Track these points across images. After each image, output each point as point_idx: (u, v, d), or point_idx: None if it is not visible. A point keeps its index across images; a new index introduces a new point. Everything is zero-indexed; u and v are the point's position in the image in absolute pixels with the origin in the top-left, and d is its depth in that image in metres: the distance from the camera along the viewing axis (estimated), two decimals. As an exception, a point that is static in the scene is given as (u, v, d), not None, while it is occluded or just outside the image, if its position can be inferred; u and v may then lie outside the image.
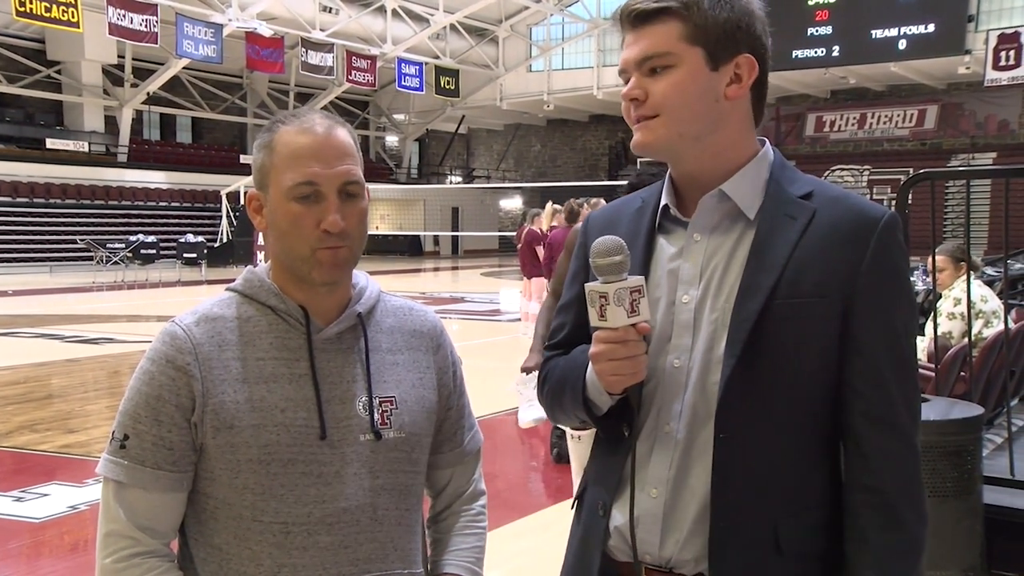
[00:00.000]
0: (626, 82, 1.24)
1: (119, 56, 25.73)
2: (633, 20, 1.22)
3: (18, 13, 20.09)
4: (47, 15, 20.50)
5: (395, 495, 1.28)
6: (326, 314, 1.27)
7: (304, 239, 1.21)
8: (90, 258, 21.34)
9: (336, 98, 30.84)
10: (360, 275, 1.34)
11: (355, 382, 1.26)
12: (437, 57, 30.53)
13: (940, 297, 4.76)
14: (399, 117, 35.25)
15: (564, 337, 1.38)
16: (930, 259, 4.03)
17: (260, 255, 17.32)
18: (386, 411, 1.27)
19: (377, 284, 1.37)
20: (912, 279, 1.27)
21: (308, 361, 1.24)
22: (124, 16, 21.70)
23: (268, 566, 1.21)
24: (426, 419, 1.33)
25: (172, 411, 1.20)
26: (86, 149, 25.89)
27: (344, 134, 1.25)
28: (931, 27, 24.84)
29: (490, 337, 11.72)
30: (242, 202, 24.99)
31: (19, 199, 23.56)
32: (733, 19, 1.20)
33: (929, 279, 4.64)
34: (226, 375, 1.21)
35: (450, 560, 1.37)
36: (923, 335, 4.53)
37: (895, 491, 1.18)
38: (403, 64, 29.48)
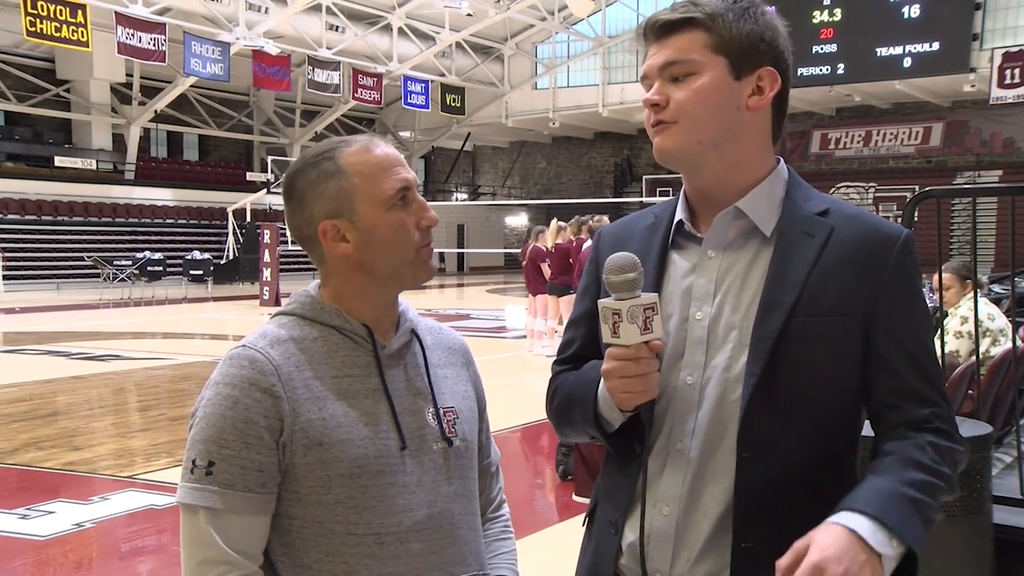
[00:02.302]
0: (648, 90, 1.24)
1: (127, 75, 25.92)
2: (658, 31, 1.23)
3: (29, 33, 20.27)
4: (57, 35, 20.68)
5: (465, 500, 1.34)
6: (384, 331, 1.32)
7: (410, 242, 1.28)
8: (97, 275, 21.41)
9: (342, 116, 31.00)
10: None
11: (420, 394, 1.32)
12: (443, 75, 30.69)
13: (947, 315, 4.75)
14: (405, 134, 35.40)
15: (574, 352, 1.38)
16: (936, 277, 4.03)
17: (266, 272, 17.36)
18: (450, 420, 1.33)
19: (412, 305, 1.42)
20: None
21: (379, 376, 1.28)
22: (132, 35, 21.89)
23: None
24: (475, 428, 1.40)
25: (262, 432, 1.21)
26: (94, 167, 26.05)
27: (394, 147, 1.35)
28: (936, 45, 24.91)
29: (496, 354, 11.71)
30: (248, 219, 25.12)
31: (27, 216, 23.69)
32: (757, 32, 1.22)
33: (935, 296, 4.63)
34: (308, 394, 1.24)
35: (497, 563, 1.42)
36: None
37: (926, 461, 1.15)
38: (409, 82, 29.64)
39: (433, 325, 1.44)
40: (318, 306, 1.30)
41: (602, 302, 1.19)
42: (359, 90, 28.40)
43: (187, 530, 1.22)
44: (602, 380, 1.22)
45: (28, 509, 4.79)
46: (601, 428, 1.27)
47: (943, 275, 4.70)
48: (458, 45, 30.08)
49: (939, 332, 3.87)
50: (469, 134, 35.04)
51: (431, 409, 1.31)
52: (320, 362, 1.26)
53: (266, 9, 25.05)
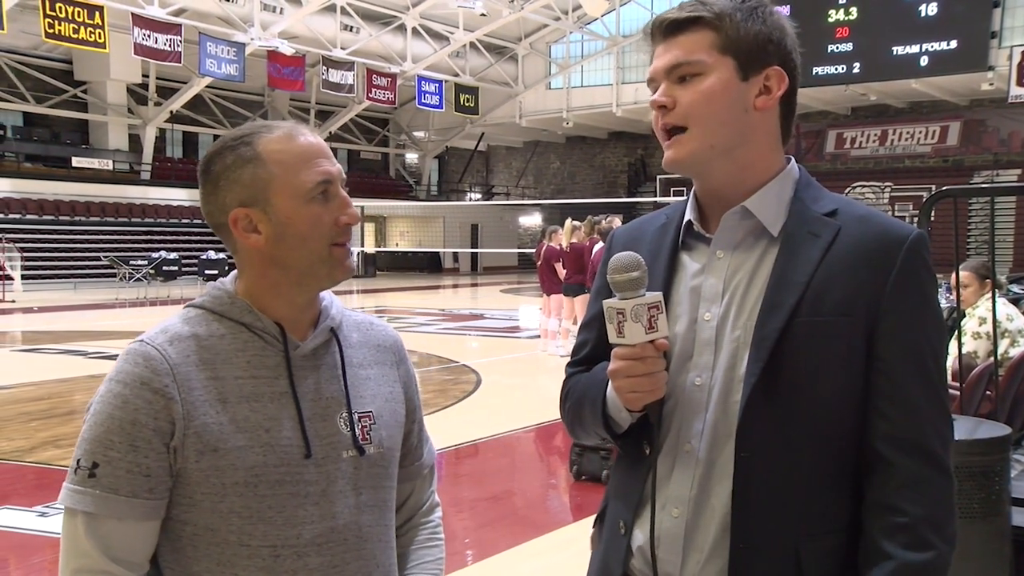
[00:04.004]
0: (654, 92, 1.24)
1: (143, 75, 26.11)
2: (665, 30, 1.23)
3: (47, 35, 20.47)
4: (75, 36, 20.86)
5: (377, 511, 1.27)
6: (300, 330, 1.25)
7: (323, 238, 1.21)
8: (113, 275, 21.56)
9: (356, 116, 31.10)
10: (323, 291, 1.32)
11: (333, 398, 1.24)
12: (457, 75, 30.72)
13: (964, 315, 4.70)
14: (419, 134, 35.47)
15: (587, 354, 1.38)
16: (953, 277, 4.00)
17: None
18: (366, 426, 1.26)
19: (338, 299, 1.35)
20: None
21: (288, 379, 1.21)
22: (149, 36, 22.03)
23: None
24: (398, 433, 1.32)
25: (150, 435, 1.14)
26: (110, 167, 26.24)
27: (320, 138, 1.29)
28: (953, 43, 24.72)
29: (510, 354, 11.71)
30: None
31: (45, 216, 23.88)
32: (765, 32, 1.21)
33: (952, 296, 4.59)
34: (206, 396, 1.16)
35: (417, 573, 1.37)
36: (947, 353, 4.47)
37: (922, 516, 1.14)
38: (423, 82, 29.69)
39: (363, 320, 1.36)
40: (228, 300, 1.23)
41: (607, 302, 1.18)
42: (373, 90, 28.47)
43: (65, 535, 1.15)
44: (610, 381, 1.21)
45: (46, 507, 4.83)
46: (611, 429, 1.27)
47: (961, 274, 4.66)
48: (472, 45, 30.10)
49: (956, 333, 3.84)
50: (483, 134, 35.05)
51: (344, 414, 1.24)
52: (224, 361, 1.18)
53: (281, 10, 25.15)
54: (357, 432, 1.24)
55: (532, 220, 36.19)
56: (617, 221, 10.76)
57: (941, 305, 1.33)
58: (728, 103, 1.20)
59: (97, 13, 21.00)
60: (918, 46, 25.08)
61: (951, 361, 4.22)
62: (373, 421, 1.27)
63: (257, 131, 1.24)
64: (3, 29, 19.84)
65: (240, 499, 1.16)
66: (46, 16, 20.12)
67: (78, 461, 1.16)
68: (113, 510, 1.14)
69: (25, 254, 21.83)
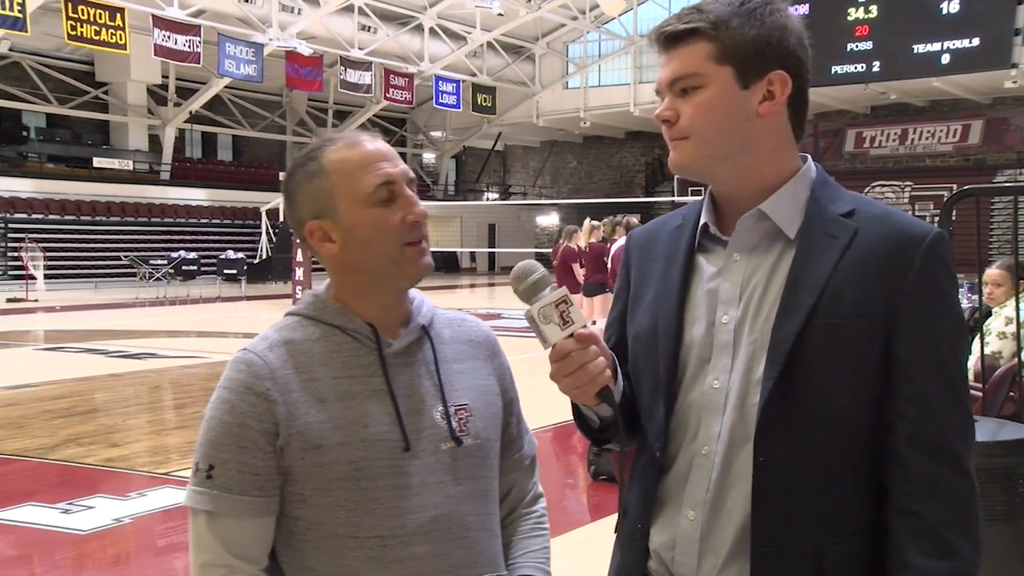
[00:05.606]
0: (662, 101, 1.24)
1: (163, 76, 26.32)
2: (664, 42, 1.22)
3: (70, 37, 20.70)
4: (96, 38, 21.08)
5: (478, 500, 1.30)
6: (392, 329, 1.29)
7: (392, 239, 1.24)
8: (133, 274, 21.76)
9: (374, 116, 31.18)
10: (413, 291, 1.36)
11: (428, 393, 1.29)
12: (474, 75, 30.76)
13: (990, 314, 4.65)
14: (436, 134, 35.53)
15: None
16: (976, 278, 3.96)
17: (299, 271, 17.53)
18: (462, 418, 1.30)
19: (429, 298, 1.39)
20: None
21: (383, 376, 1.26)
22: (169, 37, 22.22)
23: None
24: (495, 424, 1.36)
25: (256, 436, 1.21)
26: (130, 167, 26.47)
27: (385, 142, 1.31)
28: (976, 41, 24.46)
29: (527, 353, 11.69)
30: (281, 218, 25.36)
31: (67, 216, 24.12)
32: (763, 35, 1.18)
33: (974, 297, 4.55)
34: (306, 396, 1.23)
35: (523, 562, 1.39)
36: (970, 353, 4.43)
37: (944, 520, 1.13)
38: (440, 82, 29.75)
39: (455, 317, 1.41)
40: (322, 305, 1.29)
41: (525, 314, 1.20)
42: (391, 90, 28.56)
43: (192, 532, 1.23)
44: None
45: (70, 504, 4.88)
46: (590, 429, 1.29)
47: (994, 271, 4.60)
48: (489, 45, 30.13)
49: (979, 332, 3.80)
50: (500, 134, 35.07)
51: (440, 408, 1.28)
52: (321, 363, 1.25)
53: (299, 10, 25.28)
54: (454, 424, 1.28)
55: (549, 220, 36.17)
56: (634, 220, 10.74)
57: (963, 305, 1.31)
58: (727, 114, 1.19)
59: (118, 15, 21.20)
60: (939, 44, 24.83)
61: (974, 361, 4.18)
62: (469, 413, 1.31)
63: (322, 145, 1.29)
64: (27, 32, 20.06)
65: (344, 493, 1.21)
66: (68, 18, 20.33)
67: (196, 464, 1.24)
68: (229, 508, 1.21)
69: (48, 254, 22.06)
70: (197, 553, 1.22)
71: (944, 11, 24.62)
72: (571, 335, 1.16)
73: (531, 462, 1.46)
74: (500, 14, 26.71)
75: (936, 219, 3.30)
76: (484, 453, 1.32)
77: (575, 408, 1.28)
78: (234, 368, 1.25)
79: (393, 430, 1.24)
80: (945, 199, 3.47)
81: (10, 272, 22.42)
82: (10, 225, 22.76)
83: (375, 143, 1.28)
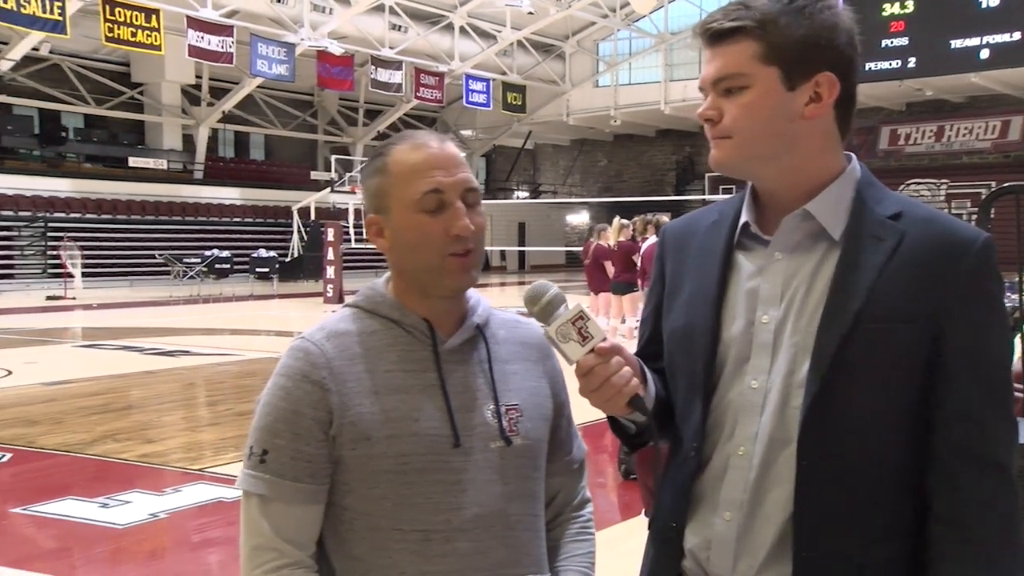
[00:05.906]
0: (705, 99, 1.22)
1: (196, 77, 26.65)
2: (709, 38, 1.20)
3: (107, 39, 21.06)
4: (132, 40, 21.40)
5: (524, 501, 1.30)
6: (447, 326, 1.30)
7: (434, 248, 1.24)
8: (168, 272, 22.05)
9: (404, 115, 31.33)
10: (470, 290, 1.37)
11: (480, 391, 1.29)
12: (504, 73, 30.78)
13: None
14: (466, 133, 35.60)
15: (639, 351, 1.38)
16: (1016, 276, 3.88)
17: (330, 270, 17.67)
18: (512, 418, 1.30)
19: (486, 298, 1.40)
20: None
21: (436, 372, 1.26)
22: (202, 38, 22.48)
23: (410, 574, 1.23)
24: (545, 426, 1.36)
25: (310, 424, 1.22)
26: (165, 167, 26.83)
27: (455, 147, 1.30)
28: (1016, 35, 23.97)
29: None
30: (312, 217, 25.60)
31: (103, 215, 24.51)
32: (812, 35, 1.16)
33: (1014, 296, 4.47)
34: (359, 387, 1.24)
35: (567, 565, 1.39)
36: (1012, 354, 4.34)
37: (985, 530, 1.12)
38: (470, 80, 29.80)
39: (510, 318, 1.41)
40: (379, 299, 1.30)
41: (544, 334, 1.21)
42: (421, 89, 28.66)
43: (244, 515, 1.25)
44: None
45: (107, 498, 4.96)
46: (627, 436, 1.29)
47: None
48: (519, 43, 30.12)
49: (1020, 333, 3.73)
50: (530, 132, 35.05)
51: (491, 407, 1.28)
52: (376, 355, 1.26)
53: (330, 10, 25.46)
54: (504, 423, 1.28)
55: (579, 218, 36.10)
56: (665, 219, 10.69)
57: (1005, 306, 1.29)
58: (772, 116, 1.17)
59: (154, 16, 21.50)
60: (978, 39, 24.36)
61: (1016, 361, 4.10)
62: (520, 413, 1.31)
63: (393, 142, 1.30)
64: (67, 35, 20.42)
65: (390, 485, 1.22)
66: (106, 21, 20.67)
67: (251, 448, 1.25)
68: (280, 493, 1.22)
69: (85, 252, 22.44)
70: (248, 536, 1.23)
71: (983, 4, 24.16)
72: (592, 350, 1.16)
73: (580, 466, 1.45)
74: (530, 12, 26.68)
75: (973, 217, 3.24)
76: (533, 454, 1.32)
77: (610, 415, 1.27)
78: (291, 356, 1.26)
79: (443, 426, 1.24)
80: (983, 197, 3.41)
81: (49, 270, 22.83)
82: (49, 224, 23.17)
83: (442, 147, 1.27)
